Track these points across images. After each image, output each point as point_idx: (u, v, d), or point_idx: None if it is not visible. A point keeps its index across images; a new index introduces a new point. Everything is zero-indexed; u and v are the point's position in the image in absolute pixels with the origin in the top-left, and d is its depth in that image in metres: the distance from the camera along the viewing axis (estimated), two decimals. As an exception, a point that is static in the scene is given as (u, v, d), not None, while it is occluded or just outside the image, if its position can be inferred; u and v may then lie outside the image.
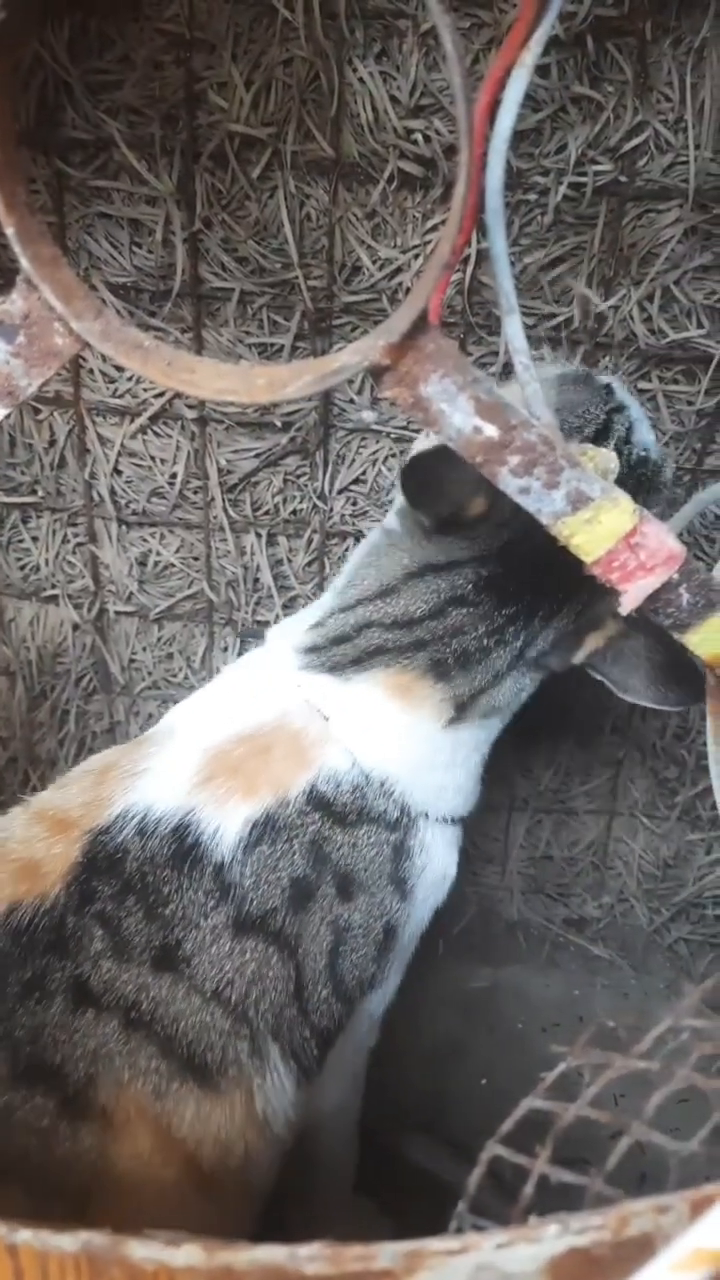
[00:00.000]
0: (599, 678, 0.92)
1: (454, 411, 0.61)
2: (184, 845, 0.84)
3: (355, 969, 0.89)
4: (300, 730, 0.88)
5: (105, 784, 0.88)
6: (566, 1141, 0.53)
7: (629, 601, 0.67)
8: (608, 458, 0.66)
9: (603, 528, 0.64)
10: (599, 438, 0.90)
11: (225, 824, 0.85)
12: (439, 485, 0.84)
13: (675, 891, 1.41)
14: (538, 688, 0.95)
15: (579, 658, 0.91)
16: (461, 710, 0.90)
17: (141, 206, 1.05)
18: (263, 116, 0.99)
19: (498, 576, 0.88)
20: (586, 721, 1.35)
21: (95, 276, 1.08)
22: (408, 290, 1.07)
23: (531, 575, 0.87)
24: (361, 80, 0.97)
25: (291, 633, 0.95)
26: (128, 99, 1.00)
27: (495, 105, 0.57)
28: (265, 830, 0.85)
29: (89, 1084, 0.77)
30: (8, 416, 0.62)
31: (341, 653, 0.91)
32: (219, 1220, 0.82)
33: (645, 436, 0.95)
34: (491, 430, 0.61)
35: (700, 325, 1.06)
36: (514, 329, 0.61)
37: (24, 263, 0.56)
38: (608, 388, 0.95)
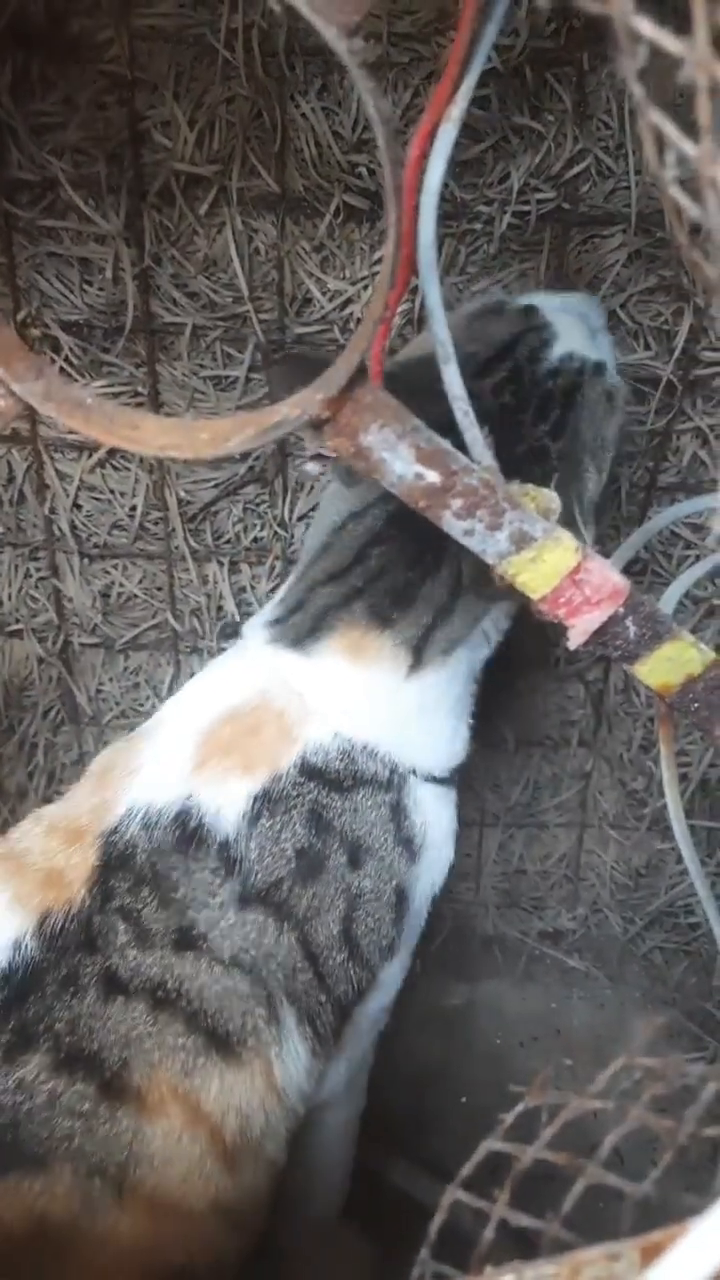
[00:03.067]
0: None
1: (395, 459, 0.61)
2: (187, 830, 0.87)
3: (372, 934, 0.91)
4: (283, 709, 0.90)
5: (106, 786, 0.91)
6: (532, 1179, 0.54)
7: (576, 636, 0.68)
8: (549, 497, 0.66)
9: (547, 566, 0.65)
10: (497, 361, 0.89)
11: (226, 802, 0.87)
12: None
13: (648, 901, 1.42)
14: (512, 612, 0.95)
15: (495, 579, 0.89)
16: (419, 654, 0.91)
17: (90, 245, 1.05)
18: (207, 154, 1.00)
19: (403, 508, 0.88)
20: (554, 735, 1.36)
21: (47, 315, 1.08)
22: (358, 320, 1.08)
23: None
24: (304, 115, 0.98)
25: (260, 613, 0.98)
26: (72, 140, 1.00)
27: (425, 159, 0.58)
28: (265, 803, 0.87)
29: (124, 1067, 0.82)
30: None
31: (298, 622, 0.92)
32: (239, 1196, 0.86)
33: (572, 346, 0.91)
34: (433, 476, 0.62)
35: (648, 347, 1.07)
36: (451, 376, 0.61)
37: (-39, 329, 0.56)
38: (528, 309, 0.92)
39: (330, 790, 0.89)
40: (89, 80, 0.98)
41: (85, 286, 1.07)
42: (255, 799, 0.87)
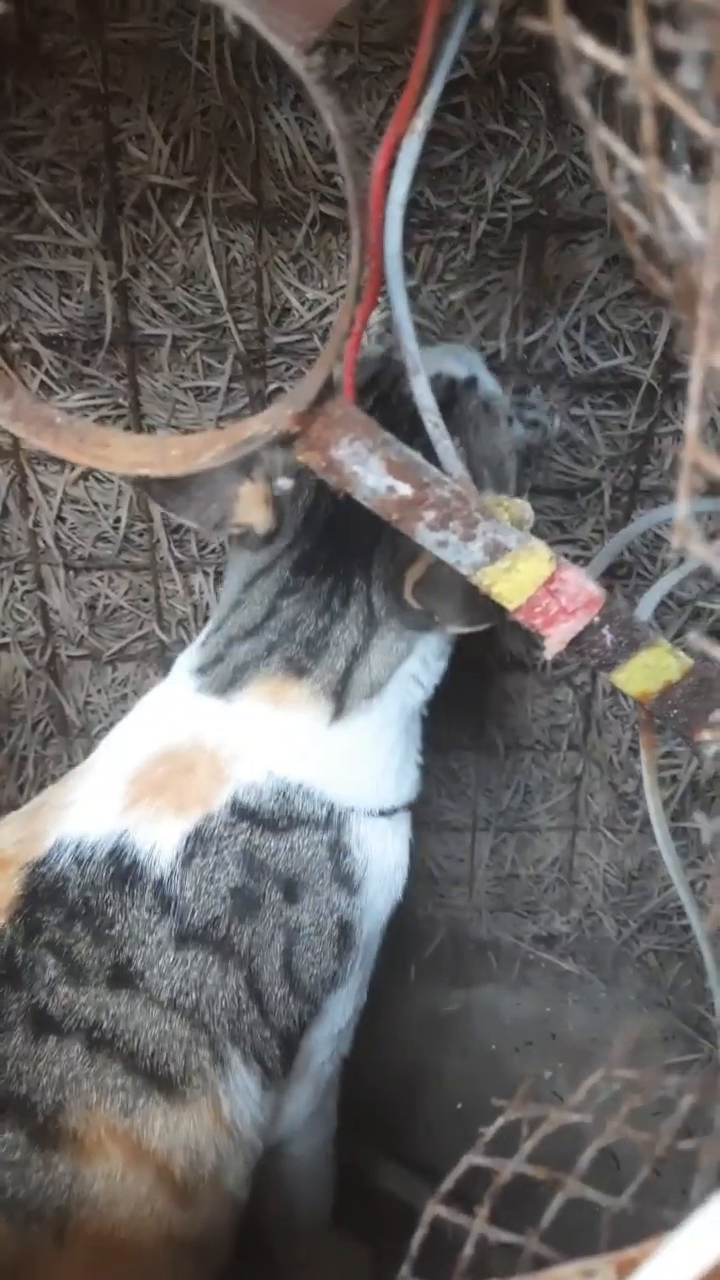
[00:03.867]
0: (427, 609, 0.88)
1: (367, 473, 0.61)
2: (122, 867, 0.85)
3: (313, 967, 0.90)
4: (214, 750, 0.89)
5: (36, 820, 0.90)
6: (520, 1186, 0.54)
7: (553, 645, 0.68)
8: (522, 507, 0.66)
9: (521, 575, 0.65)
10: (363, 393, 0.88)
11: (160, 840, 0.86)
12: (188, 496, 0.86)
13: (641, 903, 1.42)
14: (444, 652, 0.94)
15: (407, 594, 0.87)
16: (340, 700, 0.90)
17: (68, 258, 1.05)
18: (183, 166, 1.00)
19: (305, 555, 0.89)
20: (544, 739, 1.36)
21: (26, 329, 1.08)
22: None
23: (332, 540, 0.88)
24: (278, 126, 0.98)
25: (187, 654, 0.96)
26: (47, 154, 1.00)
27: (390, 171, 0.58)
28: (198, 843, 0.86)
29: (58, 1110, 0.78)
30: None
31: (220, 673, 0.91)
32: (198, 1230, 0.83)
33: (438, 368, 0.91)
34: (405, 489, 0.62)
35: (627, 352, 1.07)
36: (420, 388, 0.61)
37: (-72, 351, 0.56)
38: (388, 352, 0.93)
39: (264, 830, 0.87)
40: (63, 94, 0.98)
41: (64, 300, 1.07)
42: (188, 839, 0.86)
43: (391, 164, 0.58)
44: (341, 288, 1.05)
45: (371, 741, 0.92)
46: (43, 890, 0.84)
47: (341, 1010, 0.96)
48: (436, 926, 1.46)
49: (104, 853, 0.85)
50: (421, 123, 0.58)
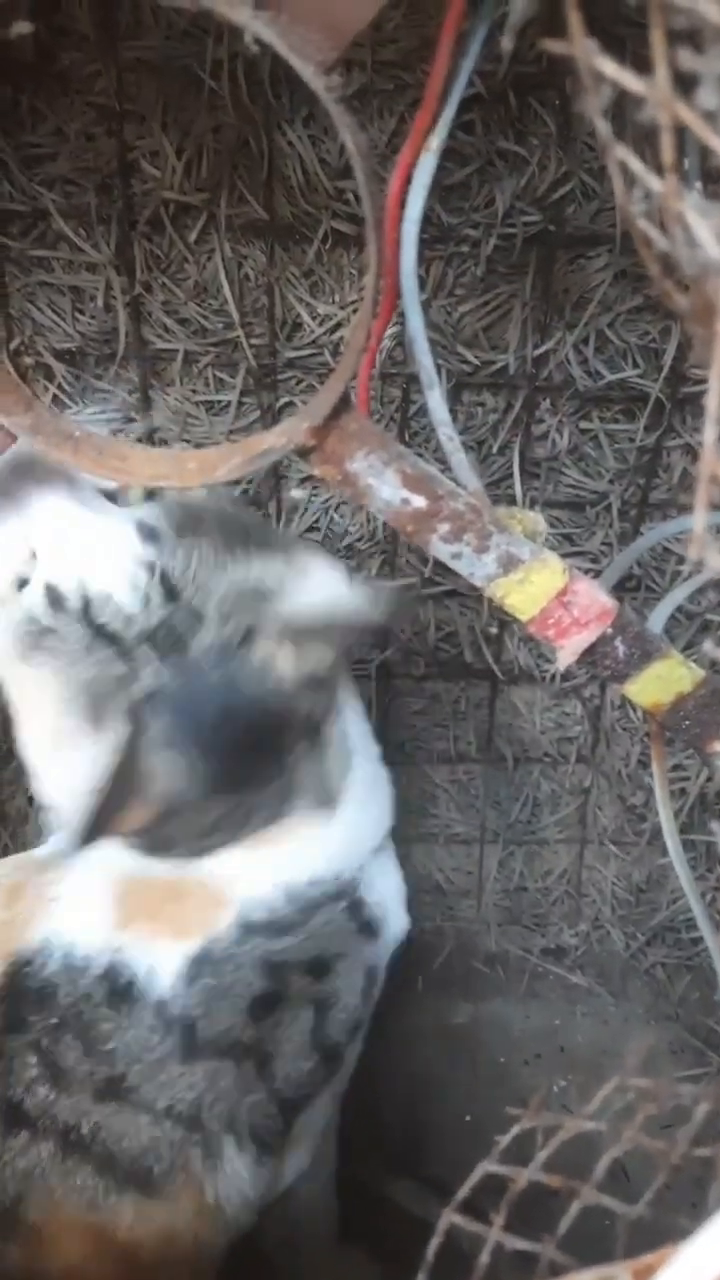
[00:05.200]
0: None
1: (381, 485, 0.62)
2: (117, 986, 0.80)
3: (343, 1026, 0.87)
4: (204, 877, 0.84)
5: (20, 901, 0.85)
6: (533, 1195, 0.54)
7: (565, 656, 0.68)
8: (535, 520, 0.67)
9: (535, 587, 0.66)
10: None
11: (158, 963, 0.81)
12: None
13: (650, 916, 1.42)
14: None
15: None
16: (332, 798, 0.86)
17: (82, 274, 1.06)
18: (196, 182, 1.01)
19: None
20: (552, 751, 1.36)
21: (40, 343, 1.09)
22: (348, 344, 1.08)
23: None
24: (290, 144, 0.99)
25: None
26: (62, 170, 1.01)
27: (405, 190, 0.59)
28: (206, 965, 0.81)
29: (18, 1202, 0.76)
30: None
31: None
32: None
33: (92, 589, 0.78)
34: (419, 501, 0.63)
35: (636, 365, 1.08)
36: (435, 402, 0.62)
37: (-50, 365, 0.57)
38: None
39: (279, 934, 0.83)
40: (78, 112, 0.99)
41: (77, 315, 1.08)
42: (193, 961, 0.81)
43: (407, 182, 0.59)
44: (353, 303, 1.06)
45: (362, 806, 0.90)
46: (31, 990, 0.80)
47: (356, 1055, 0.94)
48: (444, 939, 1.46)
49: (98, 970, 0.80)
50: (437, 141, 0.59)
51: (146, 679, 0.74)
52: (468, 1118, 1.27)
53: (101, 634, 0.74)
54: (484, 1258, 0.50)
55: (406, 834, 1.41)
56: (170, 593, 0.74)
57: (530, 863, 1.43)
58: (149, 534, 0.75)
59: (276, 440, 0.60)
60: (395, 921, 0.93)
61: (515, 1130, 0.57)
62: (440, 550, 0.64)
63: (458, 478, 0.64)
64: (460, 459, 0.63)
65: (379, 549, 1.21)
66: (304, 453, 0.61)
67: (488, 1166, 0.55)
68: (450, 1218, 0.52)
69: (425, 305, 1.05)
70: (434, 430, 1.08)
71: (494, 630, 1.25)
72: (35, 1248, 0.76)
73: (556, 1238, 0.49)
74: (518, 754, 1.35)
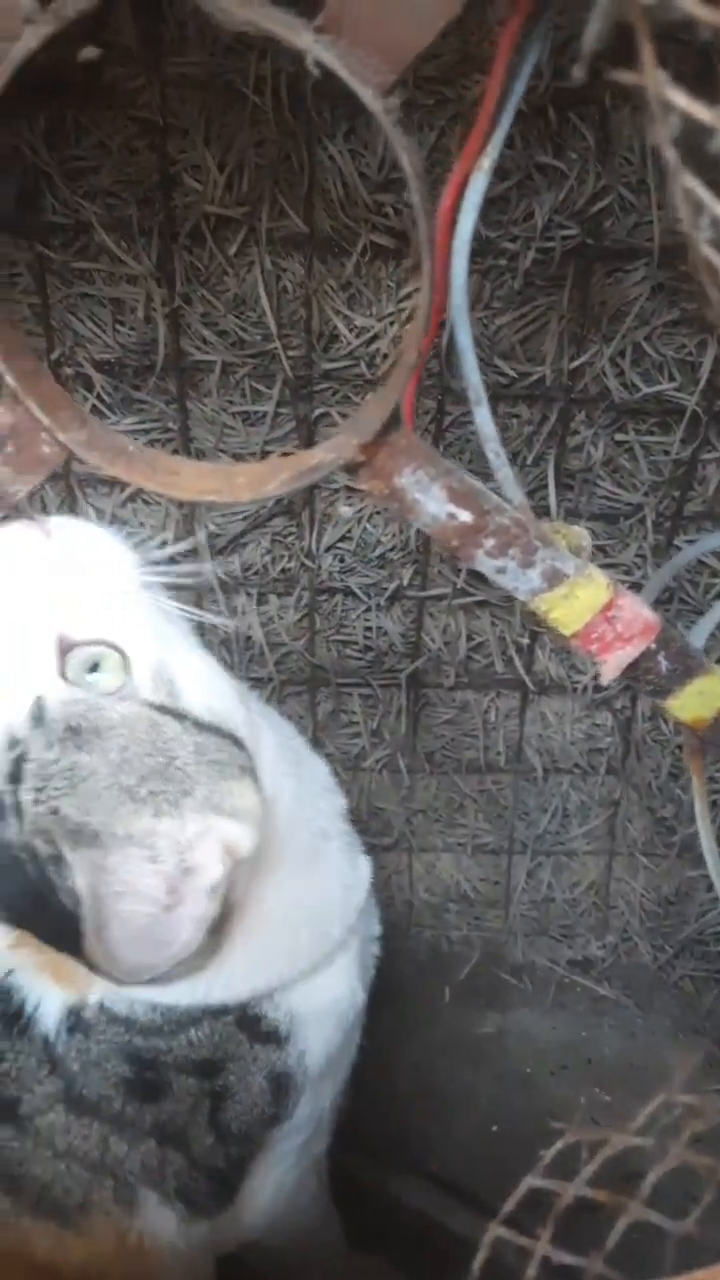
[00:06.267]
0: None
1: (428, 500, 0.63)
2: (10, 1008, 0.77)
3: (244, 1117, 0.82)
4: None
5: None
6: (573, 1211, 0.54)
7: (609, 671, 0.68)
8: (580, 535, 0.67)
9: (579, 602, 0.66)
10: None
11: (44, 1001, 0.77)
12: None
13: (678, 929, 1.42)
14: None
15: None
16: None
17: (122, 286, 1.07)
18: (237, 196, 1.02)
19: None
20: (582, 762, 1.36)
21: (80, 354, 1.10)
22: (384, 356, 1.09)
23: None
24: (331, 158, 1.00)
25: None
26: (104, 184, 1.02)
27: (456, 209, 0.60)
28: (78, 1022, 0.77)
29: None
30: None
31: None
32: None
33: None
34: (466, 515, 0.63)
35: (672, 378, 1.08)
36: (483, 418, 0.63)
37: (9, 379, 0.58)
38: None
39: (147, 1035, 0.77)
40: (121, 126, 1.00)
41: (118, 326, 1.09)
42: (69, 1012, 0.76)
43: (458, 200, 0.60)
44: (389, 315, 1.07)
45: (277, 931, 0.81)
46: None
47: (297, 1128, 0.87)
48: (471, 949, 1.46)
49: None
50: (489, 161, 0.59)
51: None
52: (494, 1127, 1.27)
53: None
54: (531, 1271, 0.51)
55: (434, 844, 1.42)
56: (13, 775, 0.64)
57: (558, 874, 1.43)
58: (37, 717, 0.65)
59: (326, 456, 0.60)
60: (324, 1023, 0.85)
61: (559, 1145, 0.57)
62: (485, 565, 0.65)
63: (503, 492, 0.64)
64: (507, 474, 0.64)
65: (411, 559, 1.22)
66: (352, 468, 0.61)
67: (532, 1181, 0.55)
68: (496, 1230, 0.53)
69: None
70: (467, 443, 1.11)
71: (525, 641, 1.25)
72: None
73: (605, 1252, 0.49)
74: (547, 765, 1.35)
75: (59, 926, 0.66)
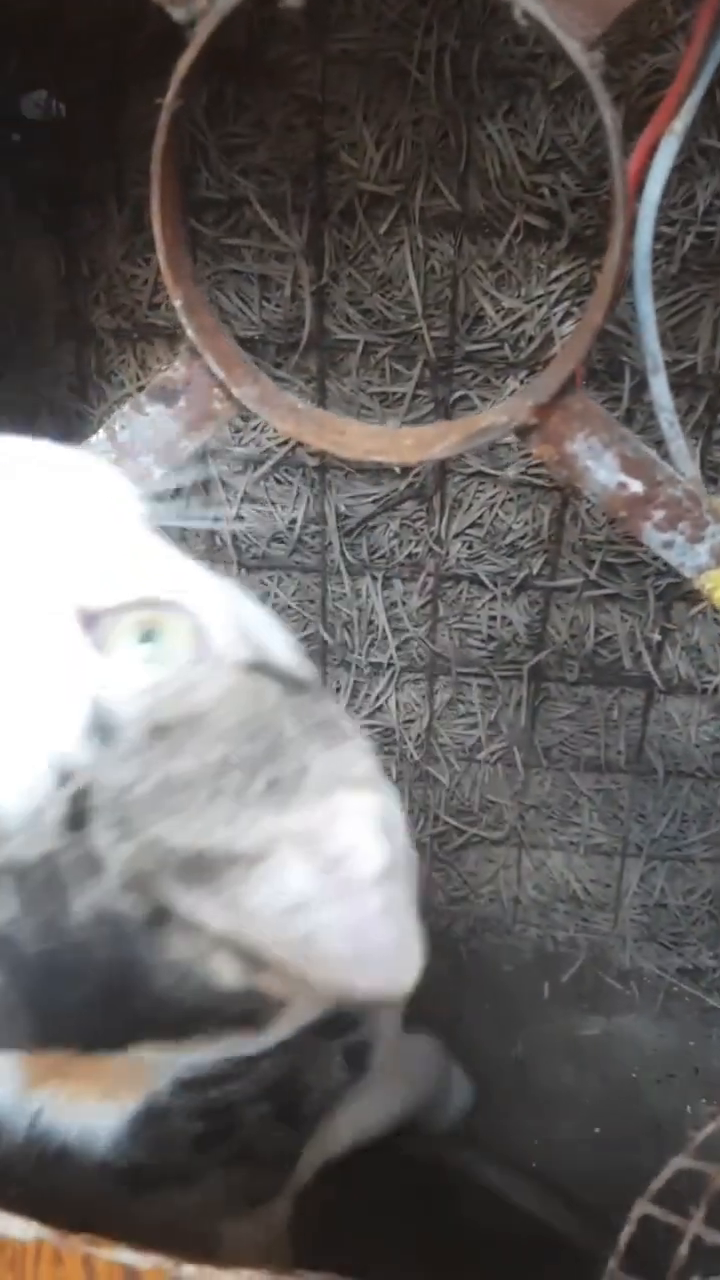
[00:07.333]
0: None
1: (599, 468, 0.62)
2: (48, 1153, 0.68)
3: (318, 1101, 0.78)
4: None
5: None
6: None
7: (771, 656, 0.66)
8: (750, 514, 0.66)
9: (746, 582, 0.65)
10: None
11: (91, 1125, 0.68)
12: None
13: None
14: None
15: None
16: None
17: (271, 262, 1.08)
18: (391, 174, 1.02)
19: None
20: (706, 767, 1.33)
21: (224, 331, 1.12)
22: (529, 339, 1.08)
23: None
24: (489, 137, 1.00)
25: None
26: (260, 160, 1.03)
27: (644, 172, 0.59)
28: (148, 1119, 0.69)
29: None
30: (166, 477, 0.64)
31: None
32: None
33: None
34: (637, 486, 0.62)
35: None
36: (660, 387, 0.62)
37: (189, 332, 0.59)
38: None
39: (224, 1083, 0.69)
40: (280, 103, 1.01)
41: (264, 303, 1.10)
42: (132, 1120, 0.68)
43: (647, 163, 0.59)
44: (538, 298, 1.06)
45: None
46: None
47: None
48: (578, 951, 1.44)
49: (19, 1135, 0.68)
50: (681, 124, 0.58)
51: None
52: (596, 1129, 1.25)
53: None
54: (683, 1249, 0.49)
55: (546, 841, 1.40)
56: (76, 819, 0.45)
57: (673, 879, 1.40)
58: (99, 728, 0.46)
59: (498, 418, 0.60)
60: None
61: (711, 1127, 0.56)
62: (652, 538, 0.64)
63: (676, 465, 0.63)
64: (680, 445, 0.62)
65: (542, 547, 1.20)
66: (524, 432, 0.60)
67: (681, 1162, 0.54)
68: (645, 1207, 0.52)
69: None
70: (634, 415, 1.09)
71: (656, 638, 1.22)
72: None
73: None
74: (669, 767, 1.32)
75: (143, 1019, 0.51)
